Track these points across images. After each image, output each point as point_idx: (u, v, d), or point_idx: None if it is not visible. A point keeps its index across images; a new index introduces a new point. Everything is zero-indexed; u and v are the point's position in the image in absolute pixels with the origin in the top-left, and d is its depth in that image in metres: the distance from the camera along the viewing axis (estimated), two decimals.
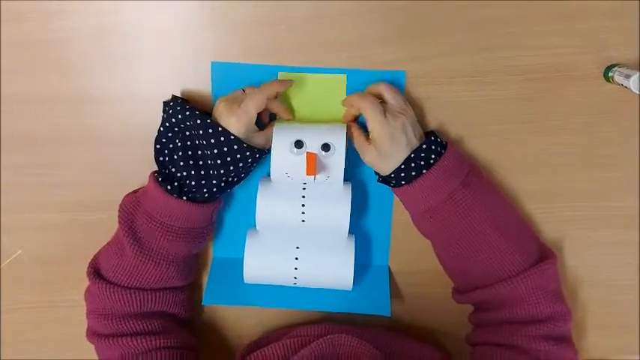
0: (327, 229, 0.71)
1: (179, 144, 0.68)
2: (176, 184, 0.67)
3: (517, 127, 0.74)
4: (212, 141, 0.66)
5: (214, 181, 0.68)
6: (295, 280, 0.72)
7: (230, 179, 0.70)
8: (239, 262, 0.72)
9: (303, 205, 0.70)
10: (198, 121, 0.66)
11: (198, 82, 0.72)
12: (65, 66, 0.72)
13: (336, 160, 0.69)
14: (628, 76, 0.66)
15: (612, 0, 0.70)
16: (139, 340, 0.67)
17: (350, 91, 0.72)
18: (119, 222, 0.69)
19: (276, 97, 0.70)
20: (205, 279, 0.77)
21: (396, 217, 0.76)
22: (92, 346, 0.70)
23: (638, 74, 0.65)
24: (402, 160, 0.67)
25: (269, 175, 0.70)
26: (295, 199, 0.70)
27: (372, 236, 0.77)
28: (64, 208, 0.76)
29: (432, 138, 0.69)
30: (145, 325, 0.68)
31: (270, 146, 0.69)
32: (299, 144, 0.69)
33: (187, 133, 0.68)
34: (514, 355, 0.65)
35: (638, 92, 0.65)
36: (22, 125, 0.74)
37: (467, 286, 0.72)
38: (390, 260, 0.77)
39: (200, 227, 0.70)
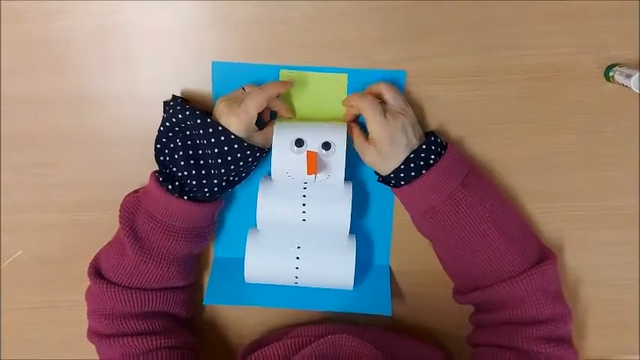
0: (328, 229, 0.71)
1: (179, 144, 0.68)
2: (177, 183, 0.67)
3: (517, 127, 0.74)
4: (212, 140, 0.66)
5: (215, 181, 0.68)
6: (296, 280, 0.72)
7: (231, 179, 0.70)
8: (240, 262, 0.72)
9: (304, 205, 0.70)
10: (199, 121, 0.66)
11: (199, 81, 0.72)
12: (65, 66, 0.72)
13: (337, 158, 0.69)
14: (629, 76, 0.66)
15: (612, 0, 0.70)
16: (139, 340, 0.67)
17: (351, 91, 0.72)
18: (120, 222, 0.69)
19: (277, 96, 0.70)
20: (206, 279, 0.77)
21: (397, 216, 0.76)
22: (92, 347, 0.70)
23: (638, 74, 0.65)
24: (402, 161, 0.67)
25: (270, 175, 0.70)
26: (296, 198, 0.70)
27: (372, 236, 0.77)
28: (64, 208, 0.76)
29: (432, 138, 0.68)
30: (145, 325, 0.68)
31: (271, 145, 0.69)
32: (299, 142, 0.69)
33: (188, 132, 0.68)
34: (515, 357, 0.65)
35: (638, 92, 0.65)
36: (22, 125, 0.74)
37: (467, 286, 0.72)
38: (391, 260, 0.77)
39: (201, 227, 0.70)
